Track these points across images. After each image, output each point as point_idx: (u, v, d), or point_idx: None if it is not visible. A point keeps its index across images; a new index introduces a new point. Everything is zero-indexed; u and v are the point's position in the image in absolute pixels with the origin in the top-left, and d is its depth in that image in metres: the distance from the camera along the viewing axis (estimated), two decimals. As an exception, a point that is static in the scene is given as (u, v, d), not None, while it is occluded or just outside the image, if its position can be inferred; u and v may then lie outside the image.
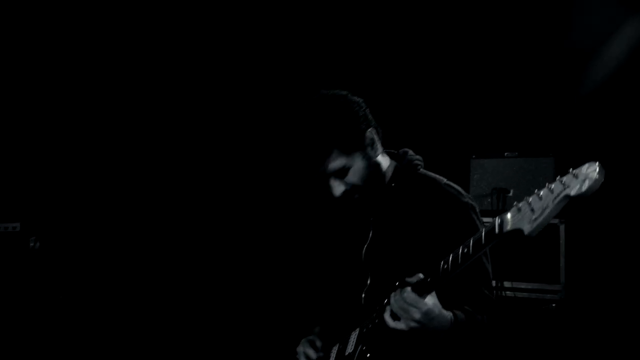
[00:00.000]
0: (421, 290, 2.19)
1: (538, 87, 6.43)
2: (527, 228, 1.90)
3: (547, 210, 1.86)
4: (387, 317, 2.27)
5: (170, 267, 6.41)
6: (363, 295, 2.60)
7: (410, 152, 2.76)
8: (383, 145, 2.69)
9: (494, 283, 5.61)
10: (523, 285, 5.85)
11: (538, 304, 5.79)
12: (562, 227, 5.77)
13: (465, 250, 2.09)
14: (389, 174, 2.67)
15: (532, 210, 1.89)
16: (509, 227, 1.96)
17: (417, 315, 2.18)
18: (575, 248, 5.85)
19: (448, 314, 2.27)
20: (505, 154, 6.21)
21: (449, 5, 6.51)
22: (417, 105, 6.84)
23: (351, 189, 2.55)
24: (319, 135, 2.47)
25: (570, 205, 5.50)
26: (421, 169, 2.72)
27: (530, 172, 6.09)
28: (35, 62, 5.96)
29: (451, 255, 2.14)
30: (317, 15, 6.67)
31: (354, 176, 2.53)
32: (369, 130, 2.59)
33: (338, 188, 2.54)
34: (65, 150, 6.11)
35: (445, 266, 2.15)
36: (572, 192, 1.81)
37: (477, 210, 2.59)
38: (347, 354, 2.56)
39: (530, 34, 6.34)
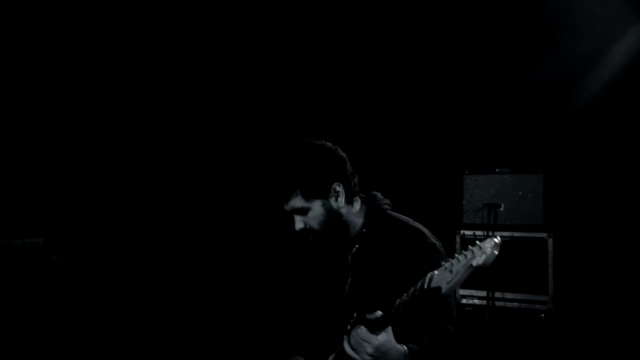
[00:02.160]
0: (374, 328, 2.41)
1: (528, 106, 6.64)
2: (444, 288, 2.21)
3: (459, 275, 2.18)
4: (347, 348, 2.49)
5: (186, 277, 6.59)
6: (349, 326, 2.71)
7: (379, 195, 2.92)
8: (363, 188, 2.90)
9: (484, 293, 5.88)
10: (513, 296, 6.08)
11: (527, 313, 6.04)
12: (550, 241, 6.04)
13: (406, 298, 2.34)
14: (358, 221, 2.83)
15: (451, 272, 2.20)
16: (432, 284, 2.25)
17: (369, 349, 2.40)
18: (563, 261, 6.09)
19: (401, 347, 2.45)
20: (497, 170, 6.45)
21: (443, 26, 6.71)
22: (412, 123, 7.03)
23: (309, 230, 2.74)
24: (288, 173, 2.71)
25: (558, 220, 5.72)
26: (389, 212, 2.88)
27: (520, 188, 6.31)
28: (56, 75, 6.09)
29: (397, 300, 2.37)
30: (313, 27, 6.86)
31: (311, 220, 2.72)
32: (336, 183, 2.74)
33: (297, 224, 2.74)
34: (84, 164, 6.30)
35: (392, 310, 2.38)
36: (474, 263, 2.13)
37: (441, 249, 2.74)
38: None
39: (521, 55, 6.54)
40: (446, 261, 2.28)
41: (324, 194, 2.72)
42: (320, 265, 3.02)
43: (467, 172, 6.53)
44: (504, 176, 6.39)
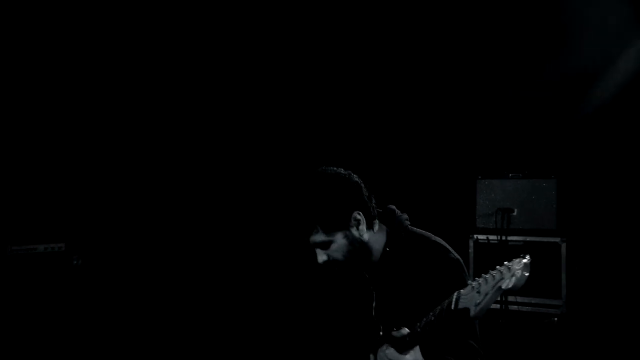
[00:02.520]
0: (402, 347, 2.43)
1: (541, 111, 6.67)
2: (472, 310, 2.13)
3: (487, 297, 2.08)
4: None
5: (210, 285, 6.66)
6: (375, 345, 2.73)
7: (397, 211, 2.88)
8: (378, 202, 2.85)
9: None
10: (527, 300, 6.11)
11: (540, 317, 6.06)
12: (563, 246, 6.06)
13: (432, 317, 2.32)
14: (381, 242, 2.78)
15: (479, 292, 2.11)
16: (460, 305, 2.18)
17: None
18: (576, 265, 6.12)
19: None
20: (510, 175, 6.46)
21: (454, 28, 6.74)
22: (425, 128, 7.08)
23: (332, 261, 2.72)
24: (306, 211, 2.68)
25: (571, 224, 5.72)
26: (410, 228, 2.84)
27: (533, 193, 6.32)
28: (73, 85, 6.15)
29: (423, 319, 2.36)
30: (316, 28, 6.91)
31: (335, 252, 2.69)
32: (356, 212, 2.70)
33: (320, 257, 2.72)
34: (106, 170, 6.37)
35: (418, 329, 2.37)
36: (503, 286, 2.03)
37: (463, 265, 2.72)
38: None
39: (534, 57, 6.56)
40: (471, 279, 2.21)
41: (345, 225, 2.69)
42: (342, 285, 3.05)
43: (480, 177, 6.55)
44: (517, 181, 6.40)
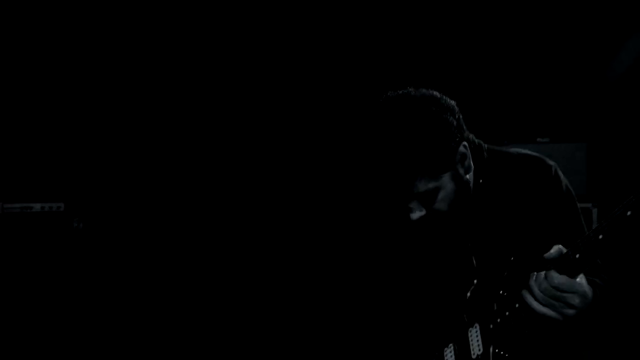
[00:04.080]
0: (571, 271, 1.82)
1: (568, 73, 6.45)
2: None
3: None
4: (534, 304, 1.89)
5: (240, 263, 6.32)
6: (469, 294, 2.28)
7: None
8: None
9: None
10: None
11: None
12: (594, 211, 5.80)
13: (630, 212, 1.67)
14: (472, 173, 2.26)
15: None
16: None
17: (575, 300, 1.84)
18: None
19: (590, 291, 1.90)
20: (537, 139, 6.21)
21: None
22: (450, 92, 6.84)
23: (433, 215, 2.17)
24: (402, 158, 2.05)
25: (602, 189, 5.50)
26: (488, 146, 2.38)
27: (562, 157, 6.08)
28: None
29: (605, 222, 1.74)
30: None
31: (440, 202, 2.15)
32: (463, 144, 2.18)
33: (417, 213, 2.16)
34: (110, 133, 6.06)
35: (600, 236, 1.73)
36: None
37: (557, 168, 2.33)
38: (474, 356, 2.22)
39: (560, 21, 6.36)
40: None
41: (452, 164, 2.13)
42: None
43: (506, 142, 6.33)
44: (545, 145, 6.16)
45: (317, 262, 6.05)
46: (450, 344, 2.32)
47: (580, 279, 1.83)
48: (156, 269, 5.96)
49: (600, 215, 5.80)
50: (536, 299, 1.87)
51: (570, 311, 1.85)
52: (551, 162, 2.32)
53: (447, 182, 2.12)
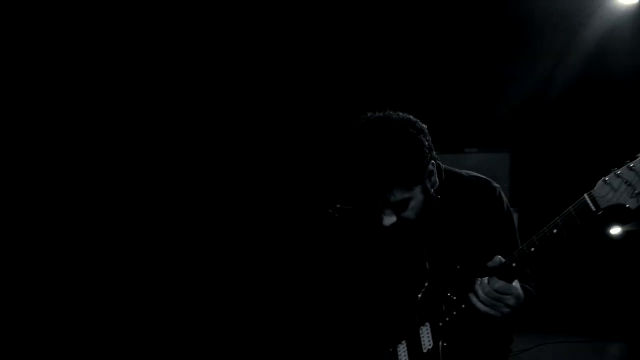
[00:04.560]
0: (508, 277, 2.20)
1: (494, 87, 6.73)
2: (631, 203, 1.86)
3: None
4: (478, 304, 2.26)
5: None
6: (420, 295, 2.56)
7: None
8: None
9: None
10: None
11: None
12: (515, 215, 5.97)
13: (555, 230, 2.07)
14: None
15: (628, 183, 1.84)
16: (607, 203, 1.89)
17: (511, 301, 2.22)
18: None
19: (522, 293, 2.29)
20: (465, 149, 6.54)
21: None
22: (376, 104, 6.88)
23: (402, 222, 2.46)
24: (380, 171, 2.34)
25: (523, 197, 5.65)
26: (443, 166, 2.66)
27: (487, 166, 6.38)
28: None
29: (536, 238, 2.13)
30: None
31: (410, 211, 2.44)
32: (432, 162, 2.47)
33: (388, 219, 2.45)
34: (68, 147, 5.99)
35: (532, 249, 2.15)
36: None
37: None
38: (425, 350, 2.51)
39: (487, 38, 6.64)
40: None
41: (421, 178, 2.43)
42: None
43: (438, 152, 6.47)
44: (472, 155, 6.47)
45: (275, 262, 6.20)
46: (403, 341, 2.62)
47: (516, 283, 2.24)
48: (156, 269, 6.03)
49: (521, 218, 6.14)
50: (480, 300, 2.25)
51: (507, 310, 2.23)
52: (496, 184, 2.66)
53: (417, 194, 2.42)
